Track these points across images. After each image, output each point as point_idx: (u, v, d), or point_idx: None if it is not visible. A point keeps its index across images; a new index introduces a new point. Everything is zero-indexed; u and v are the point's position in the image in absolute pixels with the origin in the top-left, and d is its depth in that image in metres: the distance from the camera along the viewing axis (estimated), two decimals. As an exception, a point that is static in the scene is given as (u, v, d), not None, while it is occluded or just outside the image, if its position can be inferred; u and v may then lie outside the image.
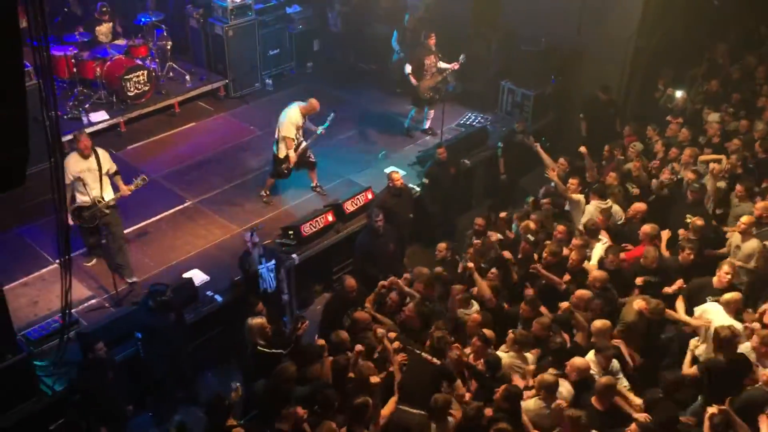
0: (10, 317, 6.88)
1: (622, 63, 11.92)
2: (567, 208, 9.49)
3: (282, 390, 6.43)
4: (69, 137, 10.75)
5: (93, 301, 8.45)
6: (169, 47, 12.62)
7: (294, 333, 7.22)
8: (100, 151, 8.37)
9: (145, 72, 11.87)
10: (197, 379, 8.27)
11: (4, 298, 6.70)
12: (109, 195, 8.33)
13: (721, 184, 9.23)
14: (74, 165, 8.12)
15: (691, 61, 12.47)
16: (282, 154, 9.87)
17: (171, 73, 12.78)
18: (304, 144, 9.94)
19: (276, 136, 9.86)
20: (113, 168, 8.47)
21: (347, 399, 6.21)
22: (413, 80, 11.33)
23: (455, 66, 11.32)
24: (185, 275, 8.62)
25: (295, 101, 10.02)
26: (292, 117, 9.73)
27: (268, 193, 10.31)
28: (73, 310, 7.13)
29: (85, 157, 8.19)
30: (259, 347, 7.14)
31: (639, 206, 8.85)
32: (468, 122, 12.43)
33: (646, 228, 8.27)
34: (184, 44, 13.28)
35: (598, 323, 6.86)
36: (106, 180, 8.33)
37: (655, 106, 11.86)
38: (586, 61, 12.12)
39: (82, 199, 8.22)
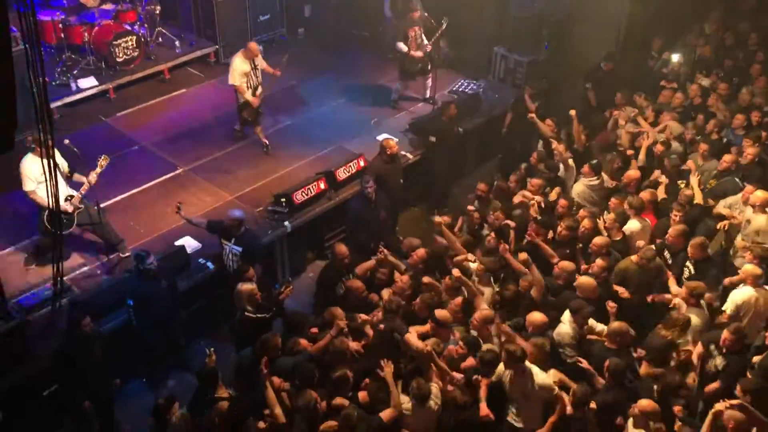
0: (1, 285, 6.88)
1: (615, 29, 11.84)
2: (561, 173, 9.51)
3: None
4: (58, 103, 10.73)
5: (85, 268, 8.43)
6: (158, 12, 12.43)
7: (276, 297, 7.24)
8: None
9: (134, 37, 11.71)
10: (189, 346, 8.31)
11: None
12: (71, 190, 8.03)
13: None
14: (38, 169, 7.46)
15: (685, 27, 12.40)
16: (241, 101, 10.19)
17: (160, 39, 12.61)
18: (260, 89, 10.26)
19: None
20: (65, 165, 8.04)
21: (327, 372, 6.25)
22: (412, 52, 11.17)
23: (429, 48, 11.17)
24: (177, 243, 8.62)
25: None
26: (236, 66, 9.99)
27: (239, 127, 10.67)
28: (65, 278, 7.13)
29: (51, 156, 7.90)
30: (246, 313, 7.16)
31: (633, 174, 8.87)
32: (461, 89, 12.36)
33: (646, 194, 8.40)
34: (173, 9, 13.06)
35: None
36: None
37: (648, 73, 11.82)
38: (579, 26, 12.03)
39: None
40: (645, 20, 11.93)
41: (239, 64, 9.97)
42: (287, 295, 7.27)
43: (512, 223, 8.40)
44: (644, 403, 5.80)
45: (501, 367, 6.28)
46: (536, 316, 6.72)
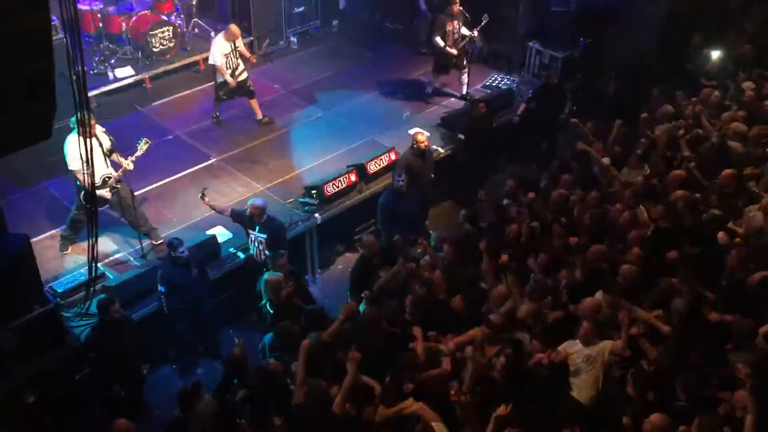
0: (38, 269, 7.00)
1: (654, 24, 11.63)
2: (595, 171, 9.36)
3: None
4: (95, 92, 10.89)
5: (119, 255, 8.57)
6: (194, 3, 12.57)
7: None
8: (98, 129, 7.99)
9: (171, 28, 11.84)
10: (219, 334, 8.40)
11: (32, 250, 6.82)
12: (112, 170, 8.16)
13: None
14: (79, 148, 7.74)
15: (726, 24, 12.13)
16: (219, 80, 10.53)
17: (196, 30, 12.73)
18: (241, 68, 10.51)
19: None
20: (108, 144, 8.13)
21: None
22: (448, 48, 11.14)
23: (474, 34, 11.14)
24: (208, 232, 8.71)
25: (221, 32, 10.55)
26: (217, 46, 10.31)
27: (217, 114, 11.01)
28: (99, 264, 7.24)
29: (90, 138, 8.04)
30: (269, 303, 7.23)
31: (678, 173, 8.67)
32: (494, 84, 12.27)
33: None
34: (210, 1, 13.18)
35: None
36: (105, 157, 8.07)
37: (685, 69, 11.59)
38: (618, 22, 11.84)
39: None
40: (685, 16, 11.69)
41: (220, 45, 10.28)
42: (288, 294, 7.30)
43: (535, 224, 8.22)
44: None
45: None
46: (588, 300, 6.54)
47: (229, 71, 10.41)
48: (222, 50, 10.28)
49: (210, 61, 10.48)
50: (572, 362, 6.14)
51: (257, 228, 8.08)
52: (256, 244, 8.15)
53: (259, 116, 11.02)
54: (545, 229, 7.99)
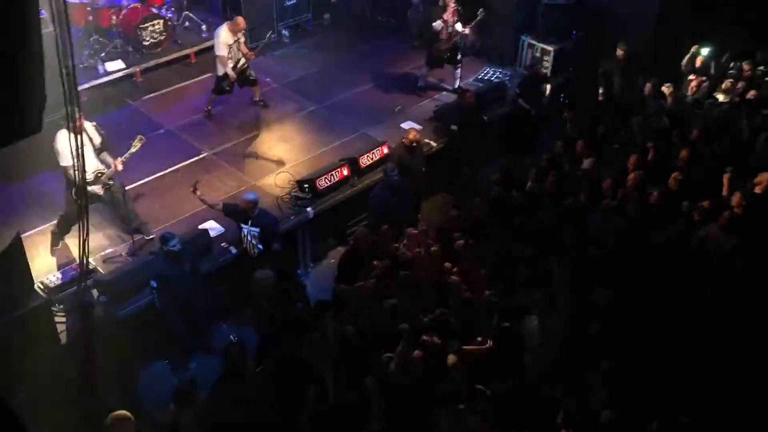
0: (28, 264, 6.96)
1: (648, 19, 11.62)
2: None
3: None
4: (85, 86, 10.81)
5: (110, 250, 8.53)
6: (185, -4, 12.49)
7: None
8: (87, 125, 7.87)
9: (162, 21, 11.78)
10: (212, 328, 8.38)
11: (22, 245, 6.77)
12: (103, 167, 8.09)
13: None
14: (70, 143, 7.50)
15: (719, 20, 12.13)
16: (220, 72, 10.41)
17: (187, 23, 12.67)
18: (242, 61, 10.44)
19: None
20: (99, 139, 8.09)
21: None
22: (443, 38, 11.13)
23: (466, 31, 11.12)
24: (201, 226, 8.68)
25: (225, 22, 10.48)
26: (221, 36, 10.19)
27: (209, 108, 10.90)
28: (90, 259, 7.21)
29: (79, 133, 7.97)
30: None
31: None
32: (486, 77, 12.26)
33: None
34: (201, -7, 13.13)
35: None
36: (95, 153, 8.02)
37: (679, 65, 11.60)
38: (611, 16, 11.83)
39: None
40: (678, 11, 11.69)
41: (224, 36, 10.21)
42: None
43: None
44: None
45: None
46: None
47: (231, 63, 10.35)
48: (226, 41, 10.21)
49: (215, 53, 10.35)
50: None
51: (249, 222, 8.06)
52: (249, 238, 8.13)
53: (257, 98, 11.04)
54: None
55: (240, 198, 8.18)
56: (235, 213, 8.16)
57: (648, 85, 10.61)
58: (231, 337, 6.71)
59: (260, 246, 7.98)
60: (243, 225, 8.11)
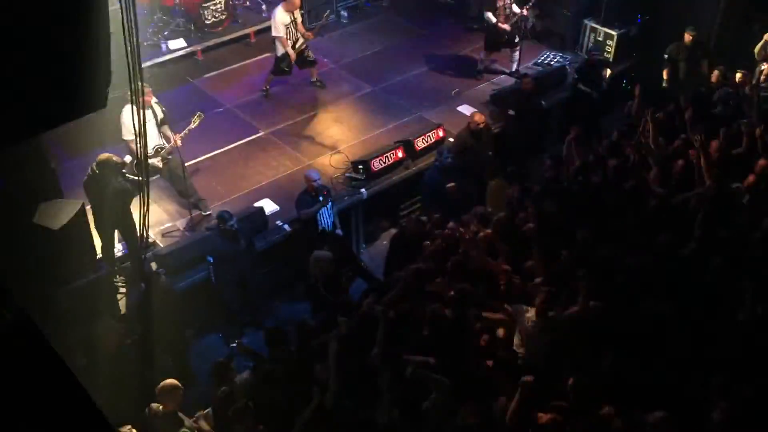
0: (92, 236, 7.19)
1: (714, 5, 11.22)
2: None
3: None
4: (148, 63, 11.01)
5: (168, 224, 8.73)
6: (246, -24, 12.59)
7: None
8: (152, 100, 8.14)
9: (223, 1, 11.91)
10: (264, 305, 8.52)
11: (86, 217, 6.99)
12: (164, 141, 8.31)
13: None
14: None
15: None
16: (280, 53, 10.46)
17: (248, 3, 12.78)
18: (301, 41, 10.44)
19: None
20: (161, 115, 8.34)
21: None
22: (500, 24, 10.98)
23: (524, 12, 10.94)
24: (256, 204, 8.81)
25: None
26: (278, 17, 10.26)
27: (267, 87, 10.93)
28: (150, 232, 7.39)
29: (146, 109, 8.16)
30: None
31: None
32: (546, 61, 12.04)
33: None
34: (261, -27, 13.18)
35: None
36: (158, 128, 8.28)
37: (748, 50, 11.17)
38: (677, 1, 11.45)
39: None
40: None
41: (281, 16, 10.24)
42: None
43: None
44: None
45: None
46: None
47: (290, 42, 10.40)
48: (283, 21, 10.26)
49: (273, 34, 10.41)
50: None
51: (321, 198, 8.16)
52: (330, 212, 8.27)
53: (314, 78, 11.09)
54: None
55: (305, 176, 8.31)
56: (309, 204, 8.20)
57: (716, 72, 10.26)
58: (233, 345, 6.75)
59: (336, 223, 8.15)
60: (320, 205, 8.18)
